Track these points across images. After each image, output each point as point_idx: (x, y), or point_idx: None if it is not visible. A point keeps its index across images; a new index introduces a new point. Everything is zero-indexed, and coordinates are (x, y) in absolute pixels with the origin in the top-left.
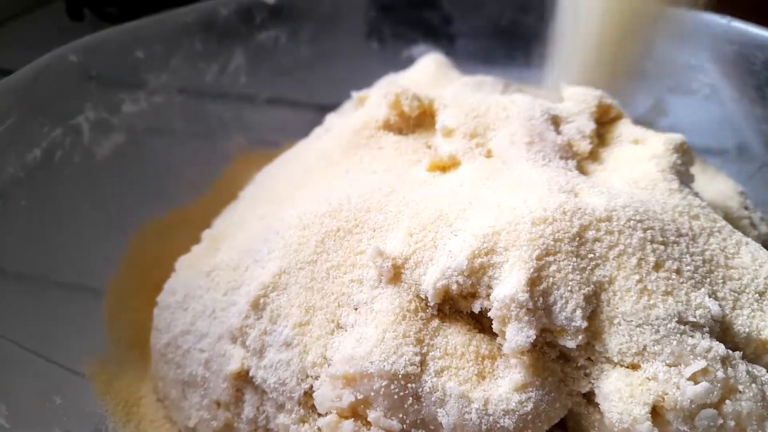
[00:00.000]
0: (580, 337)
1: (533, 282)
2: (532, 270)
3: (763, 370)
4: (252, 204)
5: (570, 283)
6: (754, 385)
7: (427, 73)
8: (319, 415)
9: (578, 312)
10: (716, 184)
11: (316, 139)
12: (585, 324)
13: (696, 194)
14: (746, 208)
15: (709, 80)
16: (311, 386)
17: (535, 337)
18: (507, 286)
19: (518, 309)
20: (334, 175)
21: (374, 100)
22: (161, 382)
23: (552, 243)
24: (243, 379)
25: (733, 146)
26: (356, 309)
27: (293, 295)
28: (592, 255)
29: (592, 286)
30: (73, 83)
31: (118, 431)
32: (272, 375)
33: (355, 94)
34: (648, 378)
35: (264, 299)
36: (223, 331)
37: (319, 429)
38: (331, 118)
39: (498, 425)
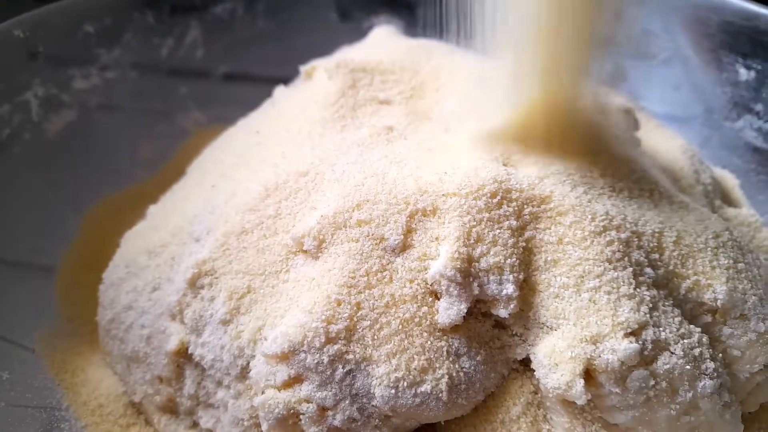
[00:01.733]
0: (512, 306)
1: (463, 255)
2: (461, 243)
3: (698, 331)
4: (195, 181)
5: (501, 252)
6: (686, 345)
7: (378, 45)
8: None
9: (509, 281)
10: (669, 146)
11: (262, 114)
12: (517, 292)
13: (638, 157)
14: (696, 171)
15: (666, 44)
16: (248, 363)
17: (466, 310)
18: (437, 262)
19: (448, 284)
20: (272, 153)
21: (319, 74)
22: (108, 357)
23: (481, 214)
24: (183, 356)
25: (690, 109)
26: (288, 284)
27: (229, 273)
28: (523, 224)
29: (524, 254)
30: (18, 59)
31: (71, 404)
32: (210, 352)
33: (303, 69)
34: (580, 341)
35: (200, 277)
36: (162, 309)
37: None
38: (279, 91)
39: (432, 395)
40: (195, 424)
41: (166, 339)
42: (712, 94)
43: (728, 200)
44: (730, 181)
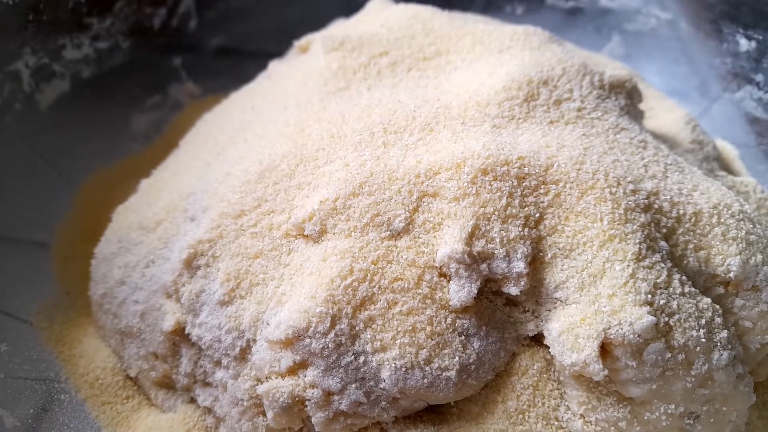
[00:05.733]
0: (522, 282)
1: (470, 236)
2: (468, 224)
3: (710, 302)
4: (189, 156)
5: (508, 230)
6: (701, 318)
7: (374, 17)
8: (259, 381)
9: (519, 258)
10: (672, 117)
11: (257, 88)
12: (527, 269)
13: (644, 129)
14: (699, 141)
15: (665, 16)
16: (248, 344)
17: (477, 291)
18: (445, 246)
19: (457, 266)
20: (268, 130)
21: (315, 48)
22: (102, 331)
23: (486, 194)
24: (179, 335)
25: (690, 80)
26: (289, 268)
27: (226, 255)
28: (532, 200)
29: (532, 230)
30: (8, 27)
31: (69, 376)
32: (208, 333)
33: (297, 44)
34: (595, 315)
35: (196, 258)
36: (157, 286)
37: (254, 386)
38: (274, 65)
39: (442, 376)
40: (193, 399)
41: (161, 317)
42: (711, 66)
43: (729, 171)
44: (731, 151)
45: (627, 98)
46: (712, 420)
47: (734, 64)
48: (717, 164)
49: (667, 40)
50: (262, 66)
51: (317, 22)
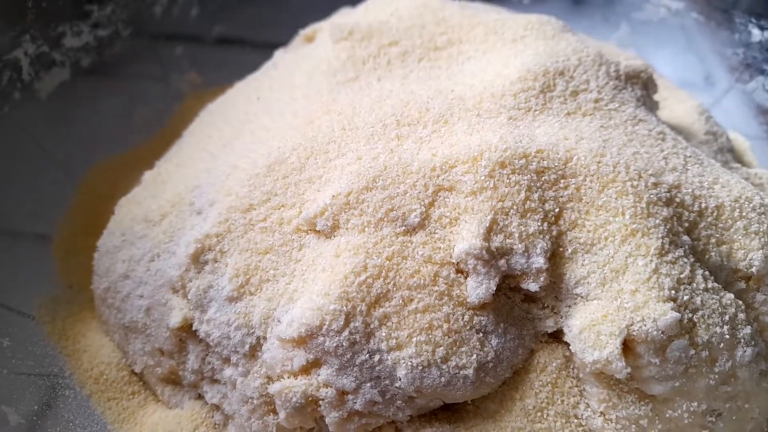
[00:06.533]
0: (542, 278)
1: (490, 230)
2: (486, 219)
3: (732, 298)
4: (193, 147)
5: (527, 225)
6: (724, 313)
7: (382, 6)
8: (269, 379)
9: (538, 253)
10: (685, 107)
11: (262, 78)
12: (547, 264)
13: (660, 121)
14: (713, 132)
15: (675, 5)
16: (258, 341)
17: (495, 288)
18: (462, 241)
19: (475, 262)
20: (276, 122)
21: (322, 38)
22: (105, 326)
23: (504, 187)
24: (185, 331)
25: (701, 71)
26: (300, 264)
27: (235, 250)
28: (551, 194)
29: (551, 225)
30: (7, 14)
31: (73, 372)
32: (216, 329)
33: (303, 32)
34: (617, 312)
35: (204, 253)
36: (162, 281)
37: (264, 384)
38: (279, 54)
39: (459, 374)
40: (200, 396)
41: (167, 312)
42: (722, 56)
43: (741, 163)
44: (742, 143)
45: (643, 89)
46: (734, 417)
47: (746, 54)
48: (731, 156)
49: (677, 29)
50: (265, 55)
51: (321, 11)
